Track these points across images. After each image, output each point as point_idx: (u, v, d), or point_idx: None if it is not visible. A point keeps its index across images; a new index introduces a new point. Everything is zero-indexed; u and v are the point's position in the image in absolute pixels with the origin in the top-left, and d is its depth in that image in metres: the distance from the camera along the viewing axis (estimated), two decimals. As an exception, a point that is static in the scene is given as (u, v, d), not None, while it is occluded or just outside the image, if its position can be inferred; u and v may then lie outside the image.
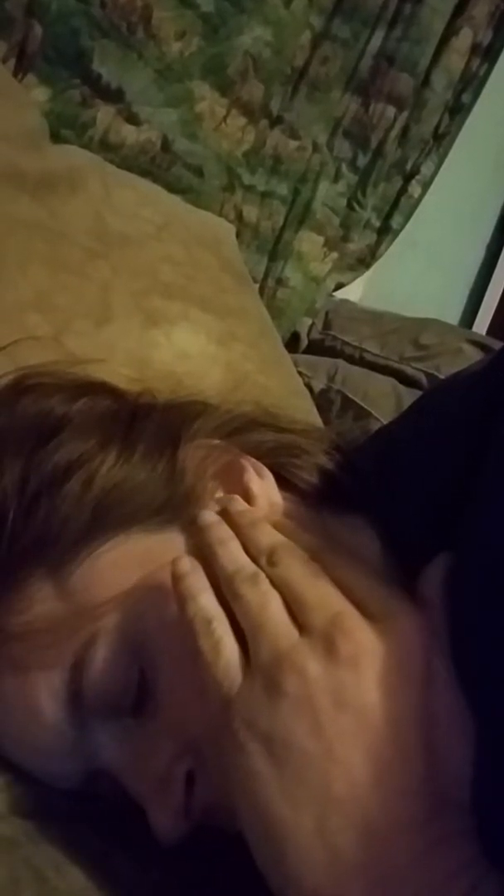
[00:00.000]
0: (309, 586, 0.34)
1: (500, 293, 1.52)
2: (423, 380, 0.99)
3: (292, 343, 1.10)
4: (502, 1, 1.12)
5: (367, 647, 0.32)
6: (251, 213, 1.04)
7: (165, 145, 0.93)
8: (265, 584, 0.35)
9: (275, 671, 0.32)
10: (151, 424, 0.42)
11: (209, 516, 0.38)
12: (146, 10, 0.87)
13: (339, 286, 1.19)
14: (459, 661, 0.33)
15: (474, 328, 1.48)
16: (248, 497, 0.40)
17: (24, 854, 0.35)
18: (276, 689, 0.32)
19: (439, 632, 0.33)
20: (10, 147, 0.70)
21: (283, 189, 1.06)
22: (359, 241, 1.16)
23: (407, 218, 1.20)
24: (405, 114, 1.11)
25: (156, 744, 0.36)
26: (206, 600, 0.35)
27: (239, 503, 0.39)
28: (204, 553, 0.37)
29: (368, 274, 1.23)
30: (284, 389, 0.75)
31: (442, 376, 0.97)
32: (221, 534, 0.37)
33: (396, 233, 1.20)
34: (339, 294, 1.21)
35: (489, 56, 1.16)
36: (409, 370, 1.01)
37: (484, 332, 1.46)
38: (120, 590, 0.37)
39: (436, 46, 1.10)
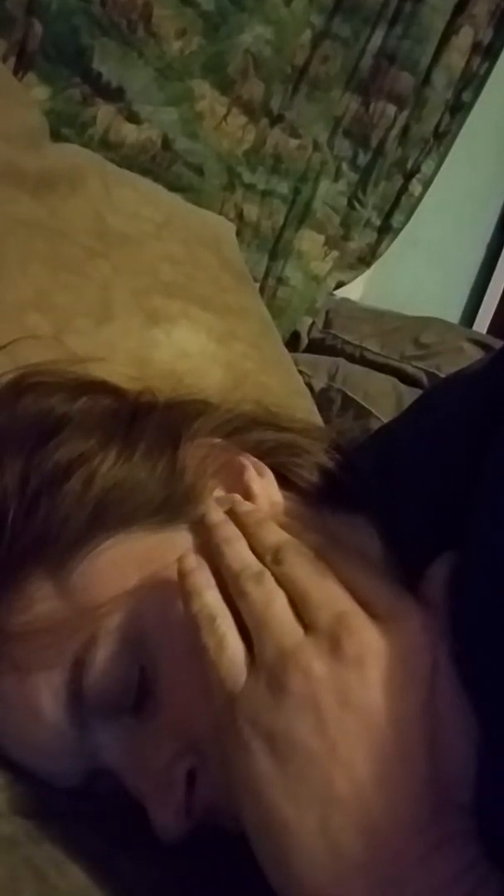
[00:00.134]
0: (314, 584, 0.34)
1: (501, 292, 1.52)
2: (424, 379, 0.99)
3: (293, 342, 1.10)
4: (503, -1, 1.12)
5: (372, 646, 0.32)
6: (251, 211, 1.04)
7: (166, 144, 0.93)
8: (270, 582, 0.35)
9: (279, 669, 0.32)
10: (152, 423, 0.42)
11: (217, 515, 0.38)
12: (146, 8, 0.87)
13: (340, 285, 1.19)
14: (461, 661, 0.33)
15: (475, 327, 1.48)
16: (248, 496, 0.40)
17: (24, 853, 0.35)
18: (281, 687, 0.32)
19: (443, 632, 0.33)
20: (10, 146, 0.70)
21: (283, 188, 1.06)
22: (359, 240, 1.16)
23: (407, 217, 1.19)
24: (406, 112, 1.11)
25: (157, 743, 0.36)
26: (210, 597, 0.35)
27: (245, 503, 0.39)
28: (210, 551, 0.37)
29: (369, 273, 1.23)
30: (285, 388, 0.75)
31: (442, 375, 0.97)
32: (228, 533, 0.37)
33: (397, 231, 1.20)
34: (340, 293, 1.21)
35: (490, 55, 1.16)
36: (409, 369, 1.01)
37: (484, 331, 1.45)
38: (120, 589, 0.37)
39: (436, 45, 1.10)
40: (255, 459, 0.41)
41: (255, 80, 0.98)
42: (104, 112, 0.89)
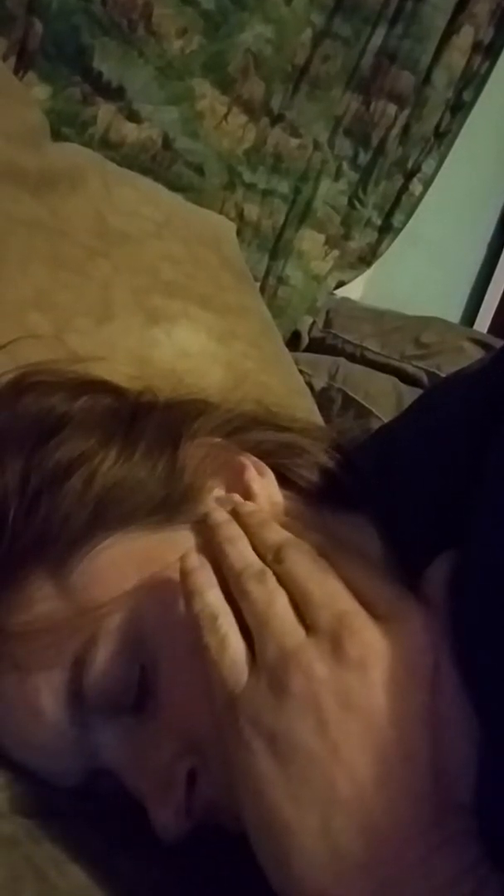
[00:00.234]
0: (315, 583, 0.34)
1: (502, 291, 1.52)
2: (424, 378, 0.99)
3: (293, 341, 1.09)
4: (504, -2, 1.12)
5: (374, 648, 0.32)
6: (252, 211, 1.04)
7: (166, 143, 0.93)
8: (272, 581, 0.35)
9: (281, 670, 0.32)
10: (152, 423, 0.42)
11: (220, 515, 0.38)
12: (147, 7, 0.87)
13: (340, 284, 1.19)
14: (462, 661, 0.33)
15: (475, 326, 1.48)
16: (248, 495, 0.40)
17: (24, 852, 0.35)
18: (282, 688, 0.32)
19: (444, 632, 0.33)
20: (10, 145, 0.70)
21: (283, 187, 1.05)
22: (360, 240, 1.16)
23: (408, 216, 1.19)
24: (406, 112, 1.11)
25: (157, 742, 0.36)
26: (212, 596, 0.35)
27: (248, 503, 0.39)
28: (212, 551, 0.37)
29: (369, 272, 1.23)
30: (285, 388, 0.75)
31: (443, 375, 0.97)
32: (231, 532, 0.37)
33: (397, 231, 1.20)
34: (340, 292, 1.21)
35: (490, 54, 1.16)
36: (409, 368, 1.01)
37: (485, 331, 1.45)
38: (119, 588, 0.37)
39: (437, 44, 1.10)
40: (256, 459, 0.41)
41: (255, 80, 0.98)
42: (104, 111, 0.89)
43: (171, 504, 0.39)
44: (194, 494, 0.40)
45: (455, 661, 0.33)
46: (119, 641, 0.36)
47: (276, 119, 1.02)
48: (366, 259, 1.19)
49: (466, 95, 1.17)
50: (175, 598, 0.36)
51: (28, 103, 0.79)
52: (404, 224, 1.20)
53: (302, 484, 0.42)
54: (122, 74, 0.89)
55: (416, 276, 1.36)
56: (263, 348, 0.77)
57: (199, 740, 0.36)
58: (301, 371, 0.88)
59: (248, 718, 0.32)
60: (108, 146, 0.89)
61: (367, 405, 0.91)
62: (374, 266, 1.21)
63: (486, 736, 0.32)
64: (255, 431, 0.44)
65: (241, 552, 0.36)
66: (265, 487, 0.40)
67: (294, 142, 1.04)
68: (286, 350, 0.87)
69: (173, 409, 0.44)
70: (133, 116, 0.91)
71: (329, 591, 0.34)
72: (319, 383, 0.95)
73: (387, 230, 1.19)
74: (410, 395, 0.92)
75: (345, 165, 1.10)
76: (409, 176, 1.17)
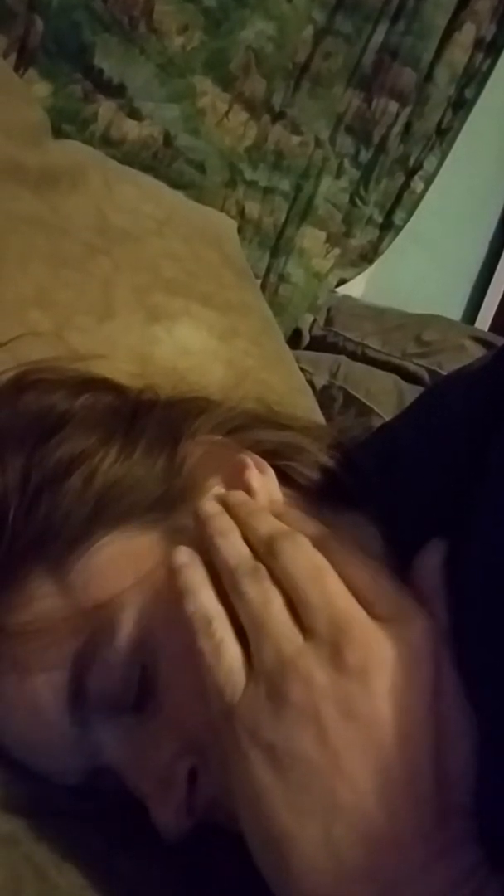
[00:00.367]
0: (312, 582, 0.34)
1: (503, 289, 1.52)
2: (426, 376, 0.99)
3: (294, 339, 1.09)
4: (506, -5, 1.12)
5: (375, 655, 0.32)
6: (253, 208, 1.03)
7: (167, 141, 0.93)
8: (267, 579, 0.34)
9: (279, 677, 0.32)
10: (153, 421, 0.42)
11: (210, 507, 0.38)
12: (148, 4, 0.87)
13: (342, 282, 1.19)
14: (461, 660, 0.33)
15: (477, 324, 1.48)
16: (248, 493, 0.40)
17: (25, 851, 0.35)
18: (281, 696, 0.31)
19: (443, 631, 0.33)
20: (11, 142, 0.70)
21: (285, 185, 1.05)
22: (361, 237, 1.16)
23: (409, 214, 1.19)
24: (408, 109, 1.11)
25: (158, 741, 0.36)
26: (205, 596, 0.34)
27: (238, 493, 0.39)
28: (204, 545, 0.36)
29: (371, 270, 1.23)
30: (286, 386, 0.75)
31: (444, 373, 0.97)
32: (223, 525, 0.36)
33: (399, 229, 1.19)
34: (342, 290, 1.20)
35: (492, 51, 1.16)
36: (411, 367, 1.01)
37: (486, 329, 1.45)
38: (117, 586, 0.37)
39: (439, 41, 1.09)
40: (257, 457, 0.41)
41: (256, 77, 0.97)
42: (105, 108, 0.89)
43: (170, 501, 0.39)
44: (193, 492, 0.39)
45: (455, 660, 0.33)
46: (119, 640, 0.36)
47: (278, 116, 1.01)
48: (367, 257, 1.19)
49: (468, 93, 1.17)
50: (172, 597, 0.36)
51: (29, 101, 0.79)
52: (405, 222, 1.19)
53: (302, 482, 0.42)
54: (123, 72, 0.88)
55: (417, 274, 1.36)
56: (264, 346, 0.77)
57: (199, 739, 0.36)
58: (302, 369, 0.88)
59: (246, 728, 0.32)
60: (109, 143, 0.89)
61: (368, 403, 0.91)
62: (375, 264, 1.21)
63: (486, 736, 0.31)
64: (256, 430, 0.44)
65: (233, 545, 0.35)
66: (265, 485, 0.40)
67: (295, 139, 1.04)
68: (287, 348, 0.87)
69: (174, 407, 0.44)
70: (134, 114, 0.91)
71: (326, 591, 0.33)
72: (320, 381, 0.95)
73: (388, 228, 1.18)
74: (412, 393, 0.92)
75: (346, 163, 1.10)
76: (411, 173, 1.16)
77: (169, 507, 0.39)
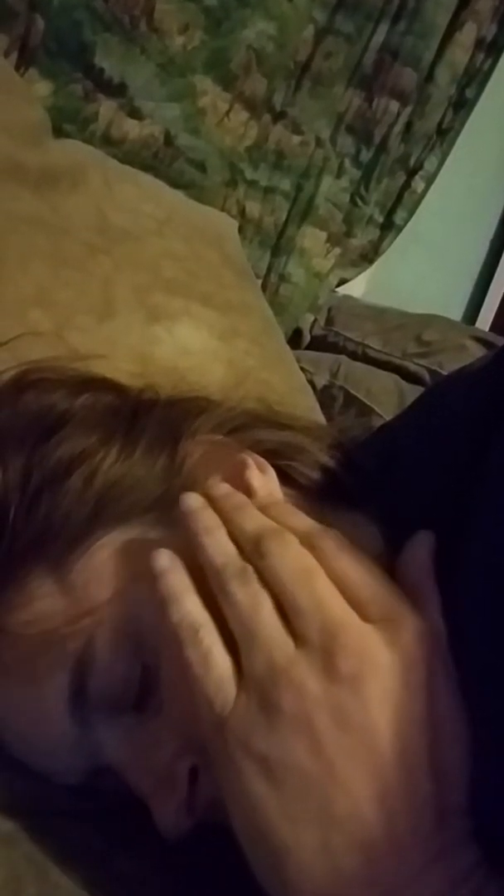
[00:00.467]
0: (300, 585, 0.33)
1: (504, 289, 1.52)
2: (426, 376, 0.99)
3: (295, 339, 1.09)
4: (507, -5, 1.12)
5: (367, 661, 0.31)
6: (254, 208, 1.03)
7: (168, 140, 0.93)
8: (255, 581, 0.33)
9: (271, 687, 0.31)
10: (153, 420, 0.42)
11: (193, 501, 0.37)
12: (149, 3, 0.87)
13: (342, 282, 1.19)
14: (460, 660, 0.32)
15: (477, 324, 1.48)
16: (249, 493, 0.40)
17: (25, 851, 0.35)
18: (273, 707, 0.31)
19: (437, 628, 0.33)
20: (11, 142, 0.70)
21: (285, 184, 1.05)
22: (362, 237, 1.16)
23: (410, 213, 1.19)
24: (409, 109, 1.10)
25: (159, 740, 0.36)
26: (191, 603, 0.33)
27: (222, 485, 0.38)
28: (189, 542, 0.35)
29: (371, 270, 1.22)
30: (287, 386, 0.75)
31: (445, 373, 0.97)
32: (207, 521, 0.36)
33: (399, 228, 1.19)
34: (342, 290, 1.20)
35: (493, 51, 1.16)
36: (411, 367, 1.01)
37: (487, 329, 1.45)
38: (117, 586, 0.37)
39: (440, 41, 1.09)
40: (257, 456, 0.41)
41: (257, 76, 0.97)
42: (106, 108, 0.89)
43: (170, 501, 0.39)
44: (194, 491, 0.39)
45: (450, 659, 0.32)
46: (119, 640, 0.36)
47: (278, 116, 1.01)
48: (368, 257, 1.19)
49: (469, 93, 1.16)
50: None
51: (29, 100, 0.79)
52: (406, 221, 1.19)
53: (303, 482, 0.42)
54: (123, 71, 0.88)
55: (418, 274, 1.36)
56: (265, 346, 0.77)
57: (200, 738, 0.36)
58: (303, 369, 0.88)
59: (239, 740, 0.31)
60: (109, 143, 0.89)
61: (368, 403, 0.91)
62: (375, 264, 1.21)
63: (487, 736, 0.31)
64: (257, 429, 0.44)
65: (218, 543, 0.35)
66: (266, 484, 0.40)
67: (296, 139, 1.04)
68: (288, 348, 0.87)
69: (174, 407, 0.44)
70: (135, 113, 0.91)
71: (316, 594, 0.33)
72: (321, 381, 0.95)
73: (389, 228, 1.18)
74: (412, 393, 0.92)
75: (347, 163, 1.10)
76: (412, 173, 1.16)
77: (169, 506, 0.39)
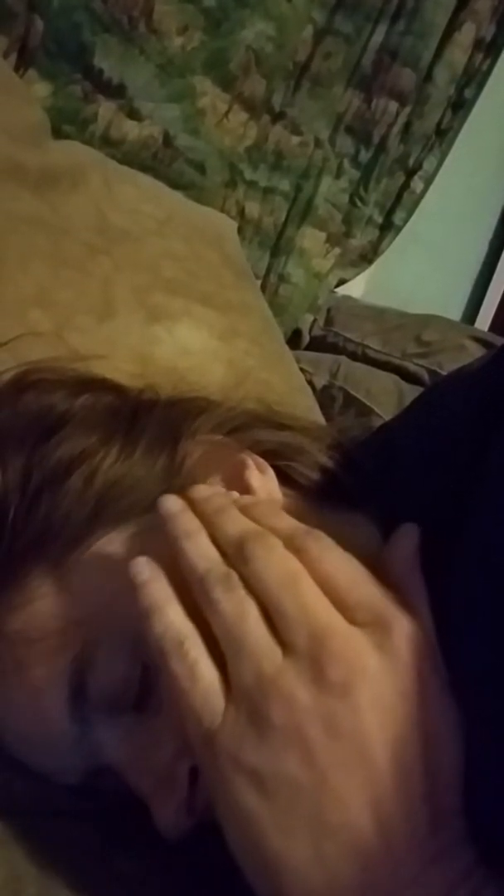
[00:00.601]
0: (286, 590, 0.32)
1: (503, 289, 1.52)
2: (426, 376, 0.99)
3: (294, 339, 1.09)
4: (506, -5, 1.12)
5: (356, 667, 0.31)
6: (253, 208, 1.03)
7: (167, 141, 0.93)
8: (240, 587, 0.32)
9: (260, 699, 0.31)
10: (153, 420, 0.42)
11: (172, 504, 0.36)
12: (148, 4, 0.87)
13: (342, 282, 1.19)
14: (457, 661, 0.32)
15: (477, 324, 1.48)
16: (248, 493, 0.40)
17: (26, 851, 0.35)
18: (263, 719, 0.30)
19: (426, 627, 0.33)
20: (11, 143, 0.70)
21: (285, 185, 1.05)
22: (361, 237, 1.16)
23: (409, 214, 1.19)
24: (408, 109, 1.10)
25: (158, 740, 0.36)
26: (173, 614, 0.33)
27: (203, 487, 0.37)
28: (167, 546, 0.35)
29: (371, 270, 1.22)
30: (286, 386, 0.75)
31: (444, 373, 0.97)
32: (187, 525, 0.35)
33: (399, 229, 1.19)
34: (341, 290, 1.20)
35: (492, 51, 1.16)
36: (411, 367, 1.01)
37: (486, 329, 1.45)
38: (118, 585, 0.37)
39: (438, 41, 1.09)
40: (257, 457, 0.41)
41: (256, 77, 0.97)
42: (105, 109, 0.89)
43: None
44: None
45: (441, 660, 0.32)
46: (119, 640, 0.36)
47: (278, 116, 1.01)
48: (367, 257, 1.19)
49: (468, 93, 1.16)
50: (178, 587, 0.34)
51: (29, 101, 0.79)
52: (405, 222, 1.19)
53: (303, 482, 0.42)
54: (122, 72, 0.88)
55: (417, 274, 1.36)
56: (265, 346, 0.77)
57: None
58: (302, 369, 0.88)
59: (229, 754, 0.31)
60: (108, 144, 0.89)
61: (368, 403, 0.91)
62: (375, 264, 1.21)
63: (485, 737, 0.31)
64: (257, 429, 0.44)
65: (201, 549, 0.34)
66: (266, 485, 0.40)
67: (295, 139, 1.04)
68: (287, 348, 0.87)
69: (174, 407, 0.44)
70: (134, 114, 0.91)
71: (302, 601, 0.32)
72: (320, 381, 0.95)
73: (388, 228, 1.18)
74: (412, 393, 0.92)
75: (346, 163, 1.10)
76: (411, 174, 1.16)
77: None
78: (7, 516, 0.38)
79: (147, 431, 0.41)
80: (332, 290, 1.18)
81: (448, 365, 0.98)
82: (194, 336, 0.70)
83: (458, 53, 1.12)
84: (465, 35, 1.11)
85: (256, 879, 0.31)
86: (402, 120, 1.11)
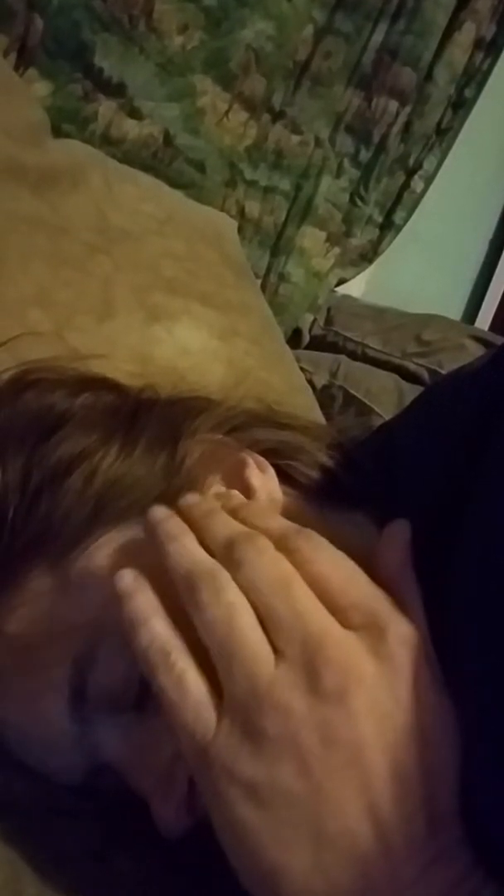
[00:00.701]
0: (278, 597, 0.31)
1: (503, 289, 1.52)
2: (426, 376, 0.99)
3: (294, 339, 1.09)
4: (506, -6, 1.12)
5: (352, 674, 0.30)
6: (253, 208, 1.03)
7: (167, 140, 0.93)
8: (229, 590, 0.31)
9: (253, 710, 0.30)
10: (153, 420, 0.42)
11: (158, 512, 0.35)
12: (148, 3, 0.87)
13: (342, 282, 1.19)
14: (455, 663, 0.32)
15: (477, 324, 1.48)
16: (248, 492, 0.40)
17: (26, 851, 0.35)
18: (257, 731, 0.30)
19: (420, 628, 0.32)
20: (11, 142, 0.70)
21: (285, 184, 1.05)
22: (361, 237, 1.16)
23: (409, 213, 1.19)
24: (408, 108, 1.10)
25: (159, 739, 0.36)
26: (158, 626, 0.32)
27: (192, 495, 0.37)
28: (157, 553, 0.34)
29: (371, 269, 1.22)
30: (286, 385, 0.75)
31: (444, 372, 0.97)
32: (172, 528, 0.34)
33: (399, 228, 1.19)
34: (342, 290, 1.20)
35: (492, 50, 1.16)
36: (411, 366, 1.01)
37: (486, 328, 1.45)
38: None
39: (439, 40, 1.09)
40: (257, 455, 0.41)
41: (256, 76, 0.97)
42: (105, 108, 0.89)
43: (169, 500, 0.39)
44: (193, 489, 0.39)
45: (435, 659, 0.32)
46: (119, 639, 0.36)
47: (278, 116, 1.01)
48: (367, 256, 1.19)
49: (468, 92, 1.16)
50: (170, 595, 0.35)
51: (29, 100, 0.79)
52: (406, 221, 1.19)
53: (303, 481, 0.42)
54: (123, 71, 0.88)
55: (417, 274, 1.36)
56: (265, 346, 0.77)
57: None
58: (302, 369, 0.88)
59: (224, 767, 0.30)
60: (108, 143, 0.89)
61: (368, 403, 0.91)
62: (375, 263, 1.21)
63: (482, 737, 0.31)
64: (256, 429, 0.44)
65: (186, 550, 0.33)
66: (266, 484, 0.40)
67: (295, 139, 1.04)
68: (287, 347, 0.87)
69: (174, 407, 0.44)
70: (134, 113, 0.90)
71: (296, 606, 0.31)
72: (320, 381, 0.95)
73: (388, 227, 1.18)
74: (412, 392, 0.92)
75: (346, 162, 1.10)
76: (411, 173, 1.16)
77: (168, 505, 0.39)
78: (7, 516, 0.38)
79: (147, 431, 0.41)
80: (332, 289, 1.18)
81: (448, 364, 0.98)
82: (194, 336, 0.70)
83: (459, 53, 1.12)
84: (466, 34, 1.11)
85: (256, 890, 0.31)
86: (402, 119, 1.10)
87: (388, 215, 1.17)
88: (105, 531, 0.38)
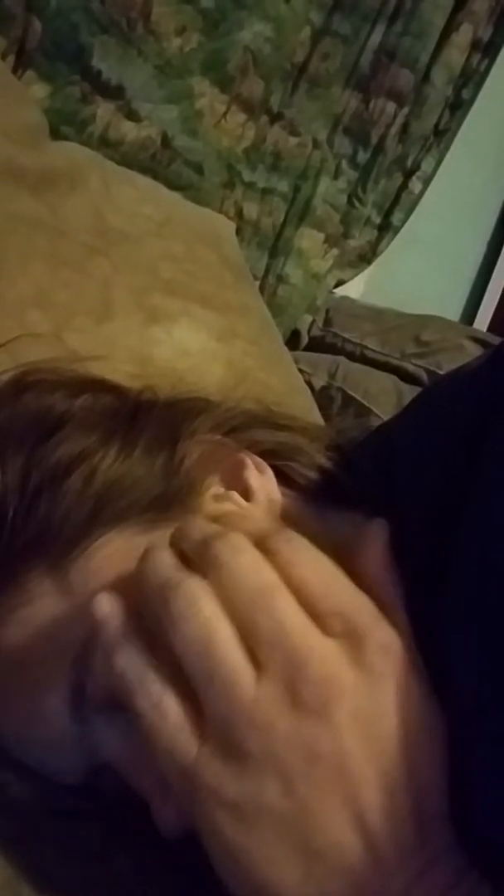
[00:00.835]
0: (259, 610, 0.31)
1: (501, 289, 1.52)
2: (424, 377, 0.99)
3: (293, 340, 1.09)
4: (503, -4, 1.12)
5: (334, 687, 0.30)
6: (251, 209, 1.03)
7: (165, 142, 0.93)
8: (205, 602, 0.31)
9: (236, 731, 0.30)
10: (152, 421, 0.42)
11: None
12: (146, 5, 0.87)
13: (340, 283, 1.19)
14: (448, 662, 0.32)
15: (475, 324, 1.48)
16: (247, 493, 0.40)
17: (25, 851, 0.35)
18: (240, 752, 0.30)
19: (403, 632, 0.32)
20: (9, 144, 0.70)
21: (283, 186, 1.05)
22: (359, 238, 1.16)
23: (408, 214, 1.19)
24: (405, 110, 1.11)
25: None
26: (134, 651, 0.32)
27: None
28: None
29: (369, 270, 1.23)
30: (285, 386, 0.75)
31: (443, 373, 0.97)
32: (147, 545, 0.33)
33: (397, 229, 1.19)
34: (340, 291, 1.20)
35: (490, 52, 1.16)
36: (409, 367, 1.01)
37: (485, 329, 1.45)
38: (116, 585, 0.37)
39: (436, 42, 1.10)
40: (255, 456, 0.41)
41: (254, 78, 0.97)
42: (104, 110, 0.89)
43: (168, 500, 0.39)
44: (191, 490, 0.39)
45: (420, 662, 0.32)
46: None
47: (276, 117, 1.02)
48: (365, 257, 1.19)
49: (466, 94, 1.17)
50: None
51: (27, 102, 0.79)
52: (404, 222, 1.20)
53: (301, 482, 0.42)
54: (121, 73, 0.88)
55: (415, 275, 1.36)
56: (263, 347, 0.77)
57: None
58: (301, 370, 0.88)
59: (208, 789, 0.30)
60: (107, 145, 0.89)
61: (366, 404, 0.91)
62: (373, 264, 1.21)
63: (479, 738, 0.31)
64: (255, 430, 0.44)
65: (156, 560, 0.33)
66: (264, 485, 0.40)
67: (293, 140, 1.04)
68: (286, 349, 0.87)
69: (173, 408, 0.44)
70: (132, 115, 0.91)
71: (277, 620, 0.31)
72: (319, 382, 0.95)
73: (386, 228, 1.18)
74: (410, 393, 0.92)
75: (344, 164, 1.10)
76: (409, 174, 1.17)
77: (167, 505, 0.39)
78: (6, 516, 0.38)
79: (146, 431, 0.41)
80: (331, 290, 1.18)
81: (447, 365, 0.98)
82: (193, 337, 0.70)
83: (456, 54, 1.12)
84: (463, 36, 1.11)
85: None
86: (399, 121, 1.11)
87: (387, 216, 1.18)
88: (104, 532, 0.38)
